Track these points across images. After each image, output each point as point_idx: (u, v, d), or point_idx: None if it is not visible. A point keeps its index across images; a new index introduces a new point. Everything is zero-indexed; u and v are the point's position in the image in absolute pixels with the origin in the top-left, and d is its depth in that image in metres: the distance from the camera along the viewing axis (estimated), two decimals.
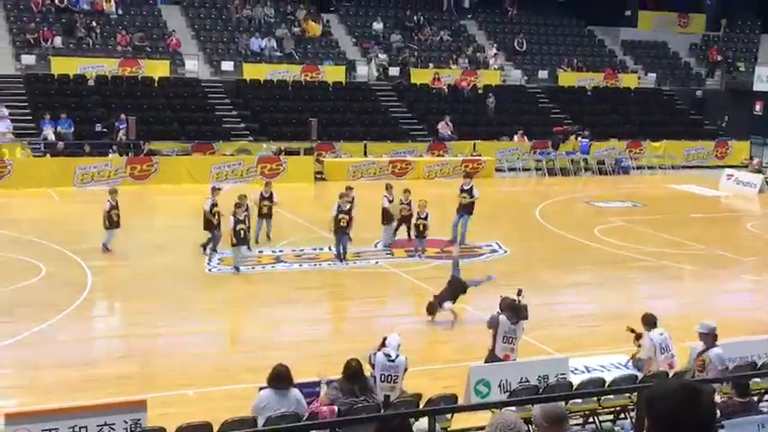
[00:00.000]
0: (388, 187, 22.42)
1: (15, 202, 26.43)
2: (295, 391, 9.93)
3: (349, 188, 21.72)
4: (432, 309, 16.23)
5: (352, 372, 10.16)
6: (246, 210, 19.84)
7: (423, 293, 18.48)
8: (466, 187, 22.36)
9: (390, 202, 21.89)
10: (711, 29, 50.82)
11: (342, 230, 20.25)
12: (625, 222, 26.58)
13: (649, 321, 12.74)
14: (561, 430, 6.07)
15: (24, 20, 36.56)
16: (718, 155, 40.58)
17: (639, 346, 13.05)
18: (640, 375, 11.92)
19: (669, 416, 3.34)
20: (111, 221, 20.28)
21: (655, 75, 45.78)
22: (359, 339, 14.47)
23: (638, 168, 37.95)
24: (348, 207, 20.48)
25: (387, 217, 21.85)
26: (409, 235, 21.75)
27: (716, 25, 51.05)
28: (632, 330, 13.28)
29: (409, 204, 21.51)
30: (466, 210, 22.23)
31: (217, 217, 20.07)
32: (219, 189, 21.11)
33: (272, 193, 21.86)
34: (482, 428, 7.17)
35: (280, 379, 9.89)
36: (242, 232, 19.13)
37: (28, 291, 17.27)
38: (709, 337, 11.61)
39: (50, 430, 9.49)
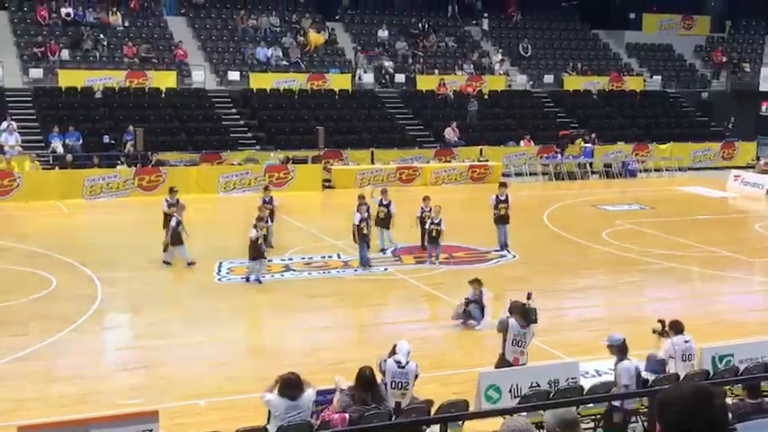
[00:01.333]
0: (383, 192, 22.38)
1: (25, 215, 26.54)
2: (307, 396, 9.87)
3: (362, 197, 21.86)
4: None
5: (365, 380, 10.16)
6: (268, 222, 20.16)
7: (433, 299, 18.55)
8: (502, 198, 22.22)
9: (382, 205, 21.84)
10: (716, 30, 50.84)
11: (364, 238, 20.35)
12: (633, 225, 26.56)
13: (675, 328, 12.42)
14: None
15: (31, 33, 36.79)
16: (724, 156, 40.54)
17: (660, 337, 12.73)
18: (652, 378, 11.88)
19: (681, 420, 3.34)
20: (179, 237, 20.35)
21: (660, 77, 45.79)
22: (369, 346, 14.51)
23: (645, 171, 37.94)
24: (367, 215, 20.59)
25: (378, 222, 21.84)
26: (423, 243, 21.70)
27: (720, 27, 51.08)
28: (662, 323, 12.79)
29: (430, 211, 21.41)
30: (505, 219, 22.18)
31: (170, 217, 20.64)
32: (177, 191, 21.71)
33: (271, 197, 22.00)
34: None
35: (289, 387, 9.89)
36: (261, 246, 19.17)
37: (39, 303, 17.33)
38: (615, 349, 11.37)
39: None
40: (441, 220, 20.77)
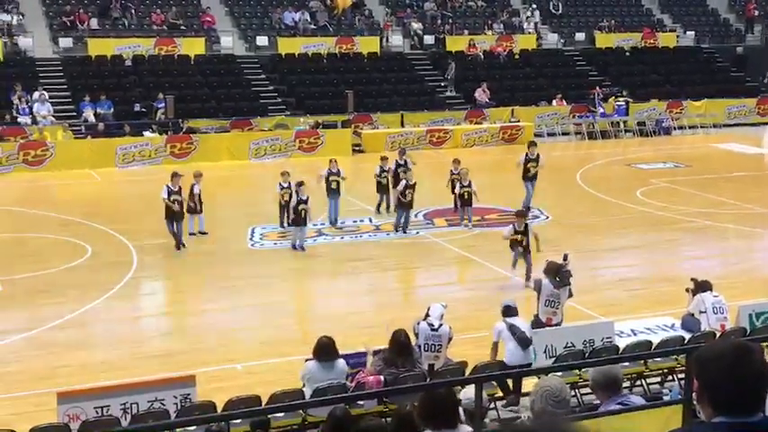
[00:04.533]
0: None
1: (59, 184, 26.76)
2: (341, 362, 10.00)
3: (402, 151, 22.46)
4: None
5: (400, 343, 10.19)
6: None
7: (465, 262, 18.53)
8: (532, 156, 22.12)
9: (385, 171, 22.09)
10: None
11: (408, 204, 20.34)
12: (668, 183, 26.28)
13: (703, 286, 12.84)
14: (617, 393, 6.11)
15: (60, 2, 36.84)
16: (760, 112, 39.90)
17: (692, 295, 12.99)
18: (688, 336, 11.83)
19: (720, 376, 3.28)
20: (192, 207, 19.75)
21: (693, 33, 45.02)
22: (403, 310, 14.53)
23: (679, 128, 37.43)
24: (414, 182, 20.49)
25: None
26: (456, 205, 21.55)
27: None
28: (695, 282, 13.14)
29: (459, 174, 21.21)
30: (535, 177, 22.11)
31: (177, 205, 18.94)
32: (181, 175, 19.39)
33: (339, 170, 21.41)
34: (527, 394, 7.17)
35: (324, 351, 9.96)
36: (303, 212, 18.99)
37: (75, 271, 17.51)
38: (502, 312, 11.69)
39: (102, 408, 9.64)
40: (470, 183, 20.58)
